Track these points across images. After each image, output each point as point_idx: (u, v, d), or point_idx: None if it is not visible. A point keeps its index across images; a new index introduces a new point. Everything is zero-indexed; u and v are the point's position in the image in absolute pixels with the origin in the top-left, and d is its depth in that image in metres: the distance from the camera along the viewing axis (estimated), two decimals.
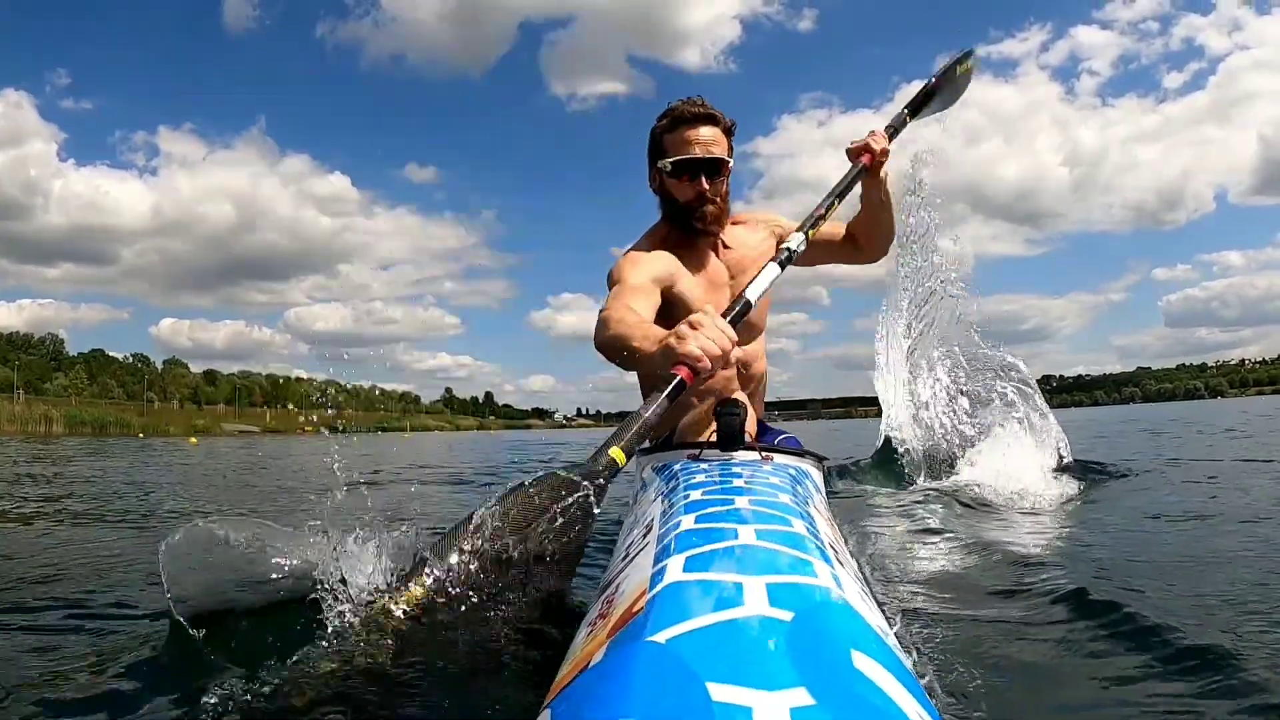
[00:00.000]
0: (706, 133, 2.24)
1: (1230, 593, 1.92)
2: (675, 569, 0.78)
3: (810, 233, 2.20)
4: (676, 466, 1.56)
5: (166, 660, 1.53)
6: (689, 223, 2.27)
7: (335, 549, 1.58)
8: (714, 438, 1.73)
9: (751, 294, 1.92)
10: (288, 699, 1.32)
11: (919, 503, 4.03)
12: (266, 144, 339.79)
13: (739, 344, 2.30)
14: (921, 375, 6.07)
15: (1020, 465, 4.97)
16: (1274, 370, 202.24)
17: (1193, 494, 4.06)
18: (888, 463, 5.61)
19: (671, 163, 2.24)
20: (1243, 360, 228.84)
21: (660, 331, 1.63)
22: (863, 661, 0.58)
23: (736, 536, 0.87)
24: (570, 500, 1.42)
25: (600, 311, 1.91)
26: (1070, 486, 4.51)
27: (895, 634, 0.74)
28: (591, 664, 0.64)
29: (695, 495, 1.19)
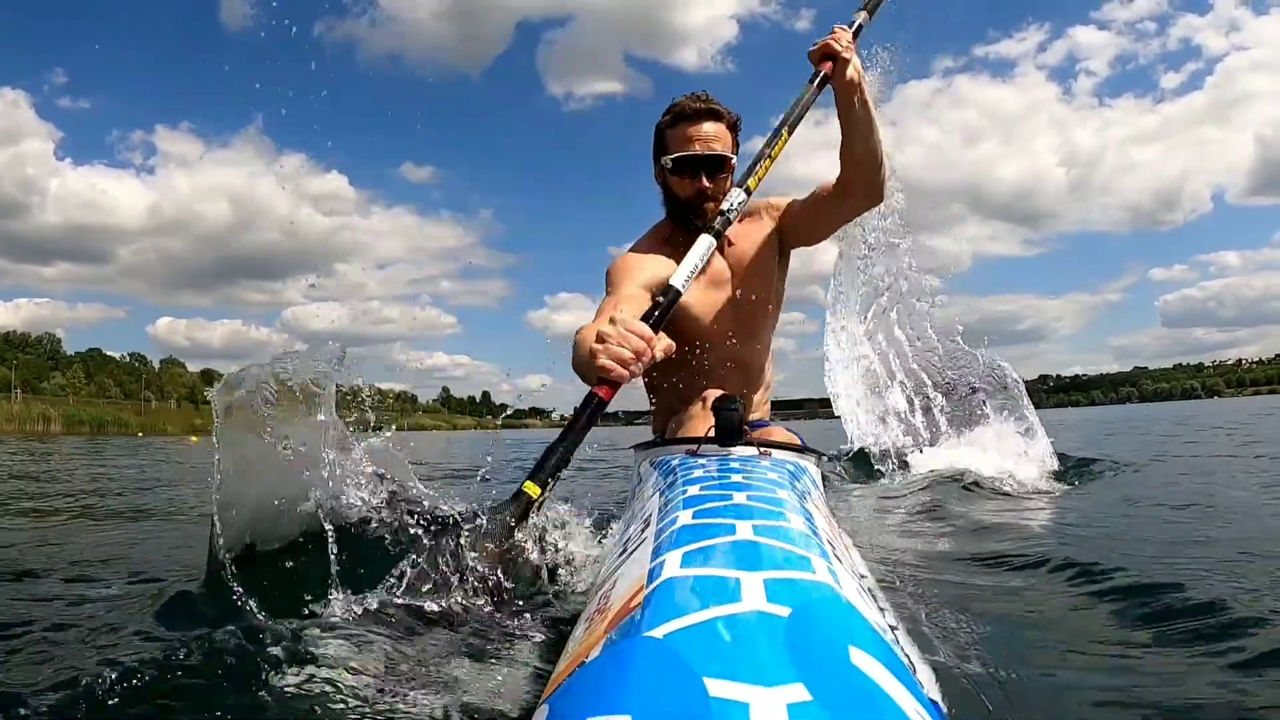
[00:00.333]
0: (708, 129, 2.21)
1: (1213, 579, 1.93)
2: (673, 564, 0.78)
3: (751, 181, 2.02)
4: (674, 461, 1.56)
5: (167, 653, 1.53)
6: (690, 220, 2.25)
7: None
8: (712, 433, 1.73)
9: (677, 280, 1.80)
10: (281, 693, 1.32)
11: (894, 497, 4.11)
12: (263, 143, 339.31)
13: (737, 341, 2.32)
14: (885, 379, 6.13)
15: (1000, 460, 5.08)
16: (1270, 370, 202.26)
17: (1179, 486, 4.17)
18: (861, 461, 5.69)
19: (673, 159, 2.23)
20: (1239, 360, 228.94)
21: None
22: (860, 658, 0.58)
23: (734, 532, 0.87)
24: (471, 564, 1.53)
25: (578, 331, 1.86)
26: (1053, 480, 4.67)
27: (893, 630, 0.75)
28: (589, 659, 0.64)
29: (693, 490, 1.18)
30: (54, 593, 2.14)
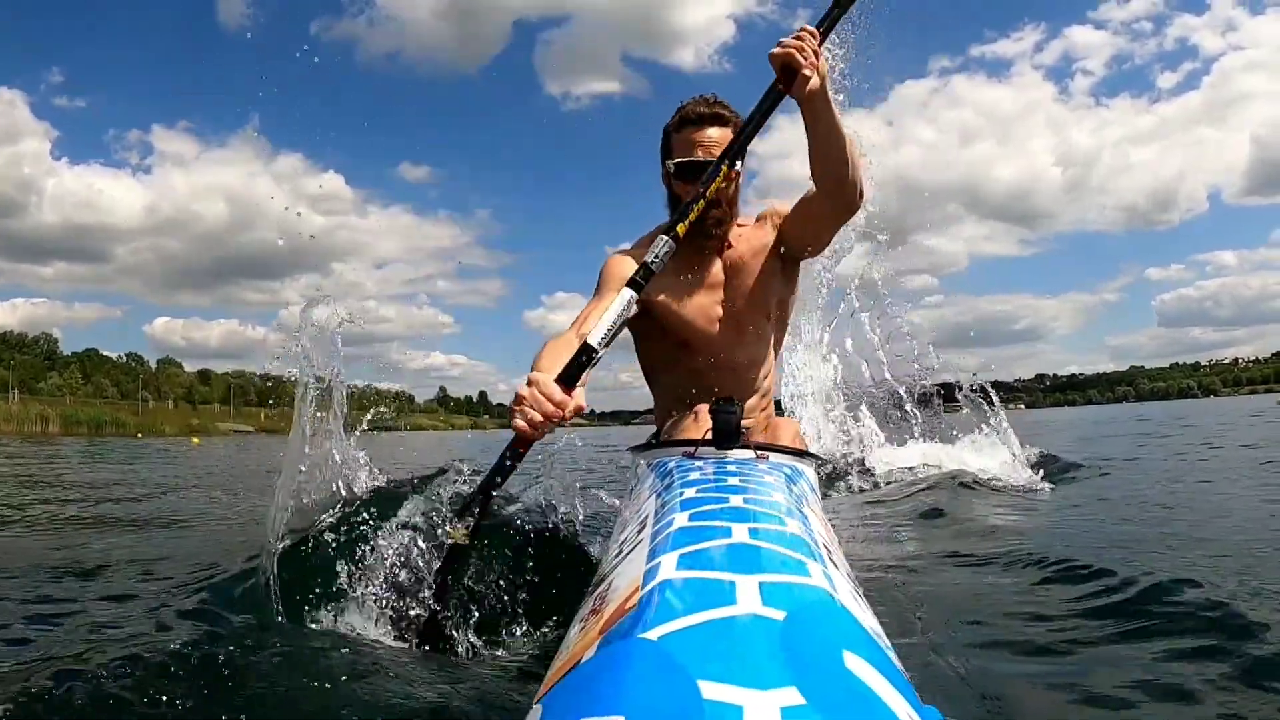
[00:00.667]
0: (713, 134, 2.19)
1: (1197, 578, 1.94)
2: (669, 566, 0.77)
3: (680, 227, 1.84)
4: (671, 463, 1.55)
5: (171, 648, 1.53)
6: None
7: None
8: (709, 435, 1.73)
9: (594, 338, 1.70)
10: (272, 693, 1.32)
11: (872, 503, 4.14)
12: (260, 142, 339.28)
13: (730, 345, 2.31)
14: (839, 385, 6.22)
15: (974, 461, 5.31)
16: (1267, 369, 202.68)
17: (1159, 487, 4.31)
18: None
19: (675, 164, 2.21)
20: (1236, 359, 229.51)
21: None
22: (854, 662, 0.58)
23: (730, 535, 0.87)
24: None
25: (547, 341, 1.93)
26: (1036, 481, 4.73)
27: (888, 635, 0.75)
28: (583, 660, 0.64)
29: (690, 493, 1.18)
30: (110, 595, 2.18)
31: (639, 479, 1.78)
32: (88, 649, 1.55)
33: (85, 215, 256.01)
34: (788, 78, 1.83)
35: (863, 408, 6.39)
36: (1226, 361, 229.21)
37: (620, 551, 1.04)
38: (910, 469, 5.32)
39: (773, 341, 2.43)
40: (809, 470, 1.80)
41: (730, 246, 2.32)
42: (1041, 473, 4.90)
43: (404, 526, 1.93)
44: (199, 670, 1.41)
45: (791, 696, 0.51)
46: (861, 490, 4.69)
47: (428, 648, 1.67)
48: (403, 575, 1.81)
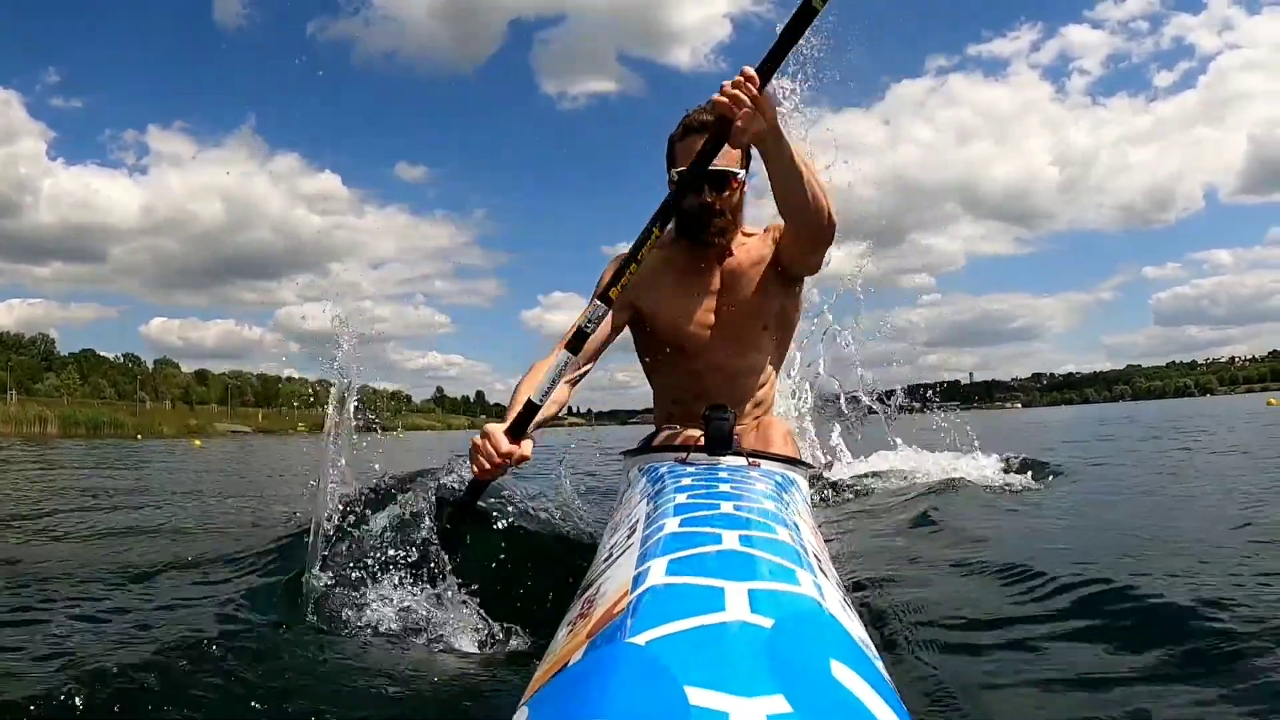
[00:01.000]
0: None
1: (1173, 582, 2.01)
2: (658, 572, 0.78)
3: (613, 291, 1.79)
4: (663, 469, 1.56)
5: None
6: (695, 232, 2.25)
7: None
8: (702, 441, 1.73)
9: (536, 395, 1.75)
10: (258, 693, 1.32)
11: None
12: (256, 142, 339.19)
13: (722, 353, 2.32)
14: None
15: (953, 469, 5.40)
16: (1263, 368, 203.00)
17: (1147, 483, 4.51)
18: None
19: (678, 173, 2.21)
20: (1232, 358, 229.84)
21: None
22: (841, 671, 0.58)
23: (720, 541, 0.87)
24: None
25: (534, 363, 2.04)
26: (1016, 482, 4.84)
27: (876, 645, 0.75)
28: (570, 664, 0.64)
29: (681, 499, 1.18)
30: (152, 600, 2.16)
31: (631, 483, 1.79)
32: (127, 646, 1.61)
33: (82, 215, 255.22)
34: (724, 127, 1.77)
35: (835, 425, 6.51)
36: (1223, 360, 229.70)
37: (610, 556, 1.04)
38: (895, 477, 5.40)
39: (772, 353, 2.42)
40: (801, 479, 1.80)
41: (731, 255, 2.32)
42: (1025, 476, 5.02)
43: (405, 523, 2.06)
44: (219, 664, 1.43)
45: (778, 704, 0.52)
46: (847, 500, 4.74)
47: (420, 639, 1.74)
48: (402, 571, 1.93)
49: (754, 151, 2.29)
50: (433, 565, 1.94)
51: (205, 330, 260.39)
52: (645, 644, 0.60)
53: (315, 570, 1.94)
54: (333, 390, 2.18)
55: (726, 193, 2.20)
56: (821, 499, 4.74)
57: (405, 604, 1.83)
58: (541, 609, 1.70)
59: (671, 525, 0.97)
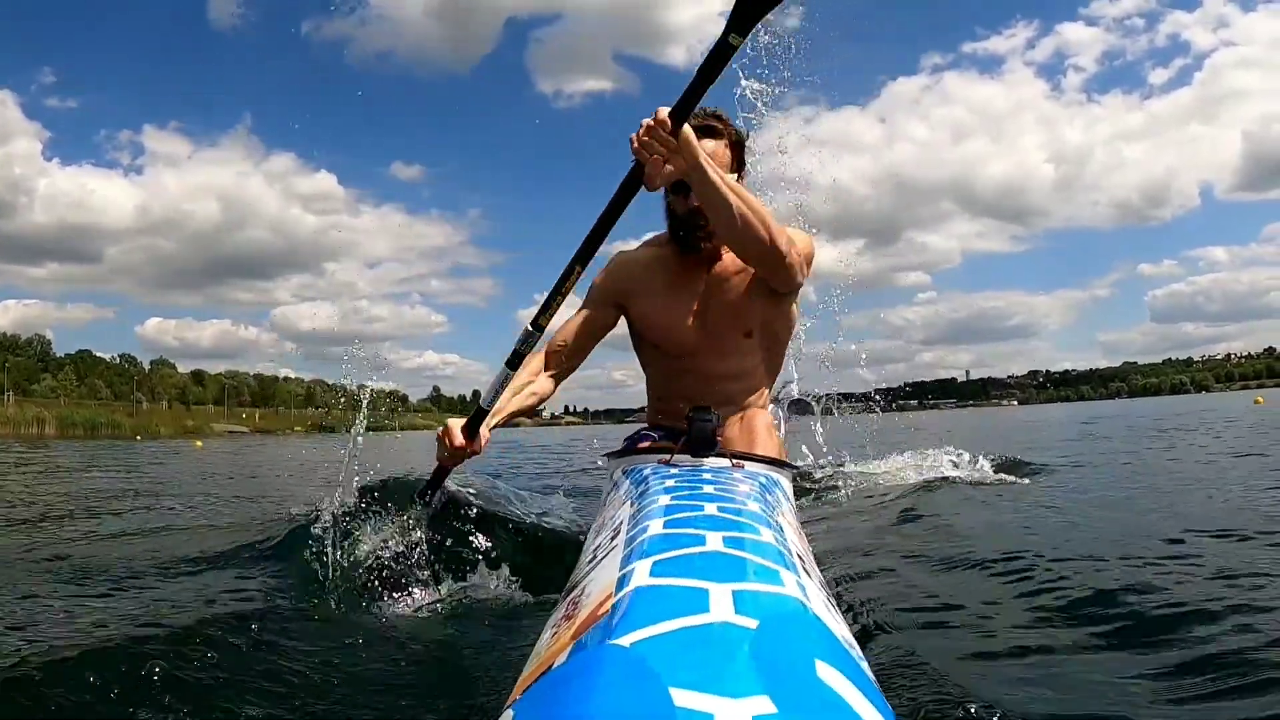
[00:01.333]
0: (704, 146, 2.11)
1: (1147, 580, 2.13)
2: (642, 573, 0.78)
3: (542, 319, 1.93)
4: (647, 471, 1.56)
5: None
6: (685, 237, 2.25)
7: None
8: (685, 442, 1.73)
9: (484, 401, 2.00)
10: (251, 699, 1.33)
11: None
12: (252, 142, 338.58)
13: (705, 356, 2.34)
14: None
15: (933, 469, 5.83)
16: (1259, 365, 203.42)
17: (1114, 481, 4.90)
18: None
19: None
20: (1228, 355, 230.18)
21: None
22: (826, 672, 0.58)
23: (704, 543, 0.88)
24: None
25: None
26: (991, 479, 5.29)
27: (860, 644, 0.76)
28: (555, 665, 0.64)
29: (665, 500, 1.18)
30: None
31: (615, 485, 1.79)
32: (162, 630, 1.73)
33: (77, 216, 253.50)
34: (639, 172, 1.78)
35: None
36: (1219, 357, 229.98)
37: (594, 558, 1.04)
38: (877, 477, 5.73)
39: (760, 360, 2.40)
40: (784, 479, 1.81)
41: (720, 259, 2.32)
42: (1003, 474, 5.40)
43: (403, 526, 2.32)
44: (207, 657, 1.44)
45: (763, 705, 0.52)
46: (831, 500, 4.84)
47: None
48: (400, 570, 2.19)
49: (746, 152, 2.31)
50: (426, 569, 1.98)
51: (201, 330, 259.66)
52: (630, 645, 0.60)
53: (325, 561, 2.14)
54: (364, 391, 2.60)
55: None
56: (802, 497, 4.84)
57: (396, 607, 1.85)
58: (526, 610, 1.71)
59: (655, 527, 0.98)
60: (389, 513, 2.35)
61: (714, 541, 0.88)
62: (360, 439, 2.52)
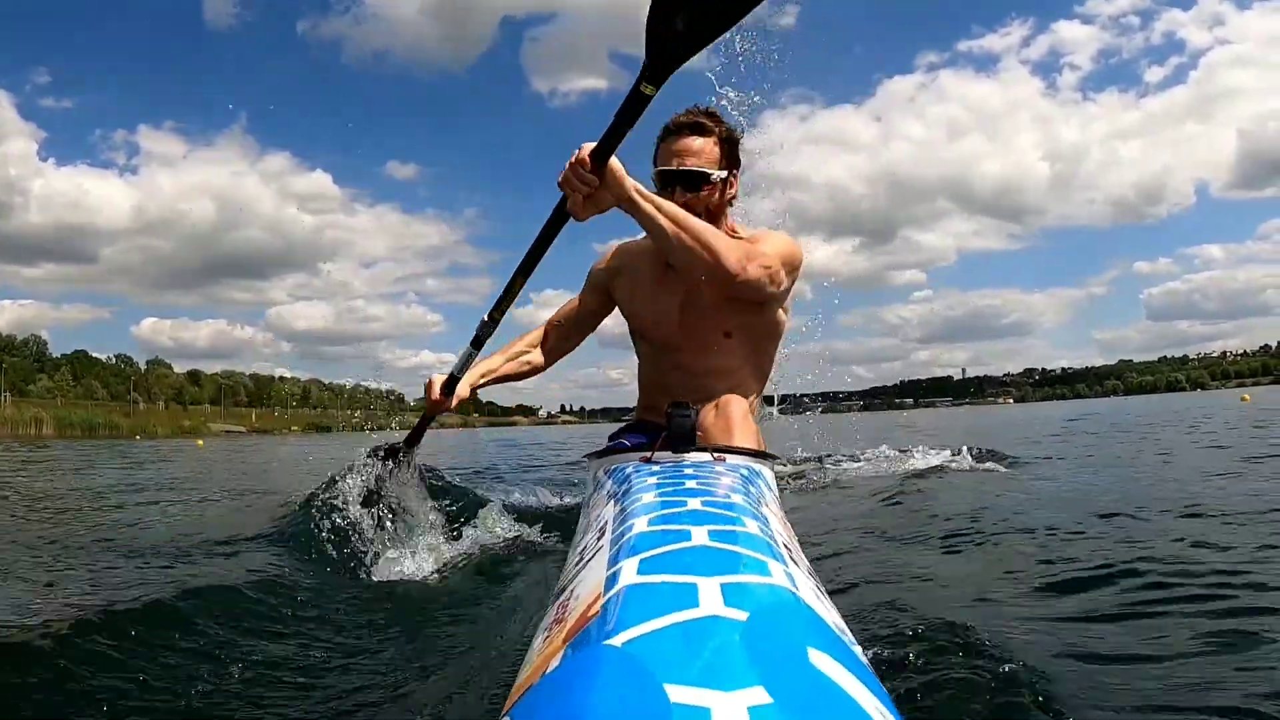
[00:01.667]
0: (689, 144, 2.20)
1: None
2: (629, 572, 0.77)
3: (495, 314, 2.22)
4: (629, 469, 1.55)
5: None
6: None
7: None
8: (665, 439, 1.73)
9: (455, 368, 2.39)
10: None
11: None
12: (247, 142, 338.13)
13: (684, 352, 2.37)
14: None
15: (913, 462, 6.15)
16: (1254, 362, 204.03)
17: (1083, 474, 5.06)
18: None
19: (655, 173, 2.24)
20: (1224, 352, 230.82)
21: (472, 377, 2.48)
22: (819, 659, 0.58)
23: (690, 538, 0.87)
24: None
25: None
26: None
27: (851, 629, 0.76)
28: (549, 669, 0.64)
29: (647, 498, 1.18)
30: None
31: (597, 486, 1.79)
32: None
33: (72, 216, 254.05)
34: (562, 205, 1.87)
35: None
36: (1215, 355, 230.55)
37: (581, 559, 1.03)
38: (858, 469, 6.00)
39: (743, 361, 2.39)
40: (766, 470, 1.81)
41: None
42: (980, 465, 5.80)
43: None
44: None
45: (758, 696, 0.52)
46: (813, 490, 4.97)
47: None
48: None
49: (741, 149, 2.31)
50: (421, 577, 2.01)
51: (197, 330, 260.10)
52: (622, 645, 0.60)
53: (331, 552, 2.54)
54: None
55: (704, 192, 2.20)
56: (783, 490, 4.94)
57: (400, 568, 1.89)
58: (516, 616, 1.71)
59: (640, 525, 0.97)
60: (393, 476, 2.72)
61: (699, 536, 0.88)
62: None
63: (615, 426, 2.61)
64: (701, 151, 2.18)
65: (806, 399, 7.02)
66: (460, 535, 2.95)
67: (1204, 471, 4.78)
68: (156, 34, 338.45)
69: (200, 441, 28.22)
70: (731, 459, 1.67)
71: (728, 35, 1.72)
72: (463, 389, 2.44)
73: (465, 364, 2.35)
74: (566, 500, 4.36)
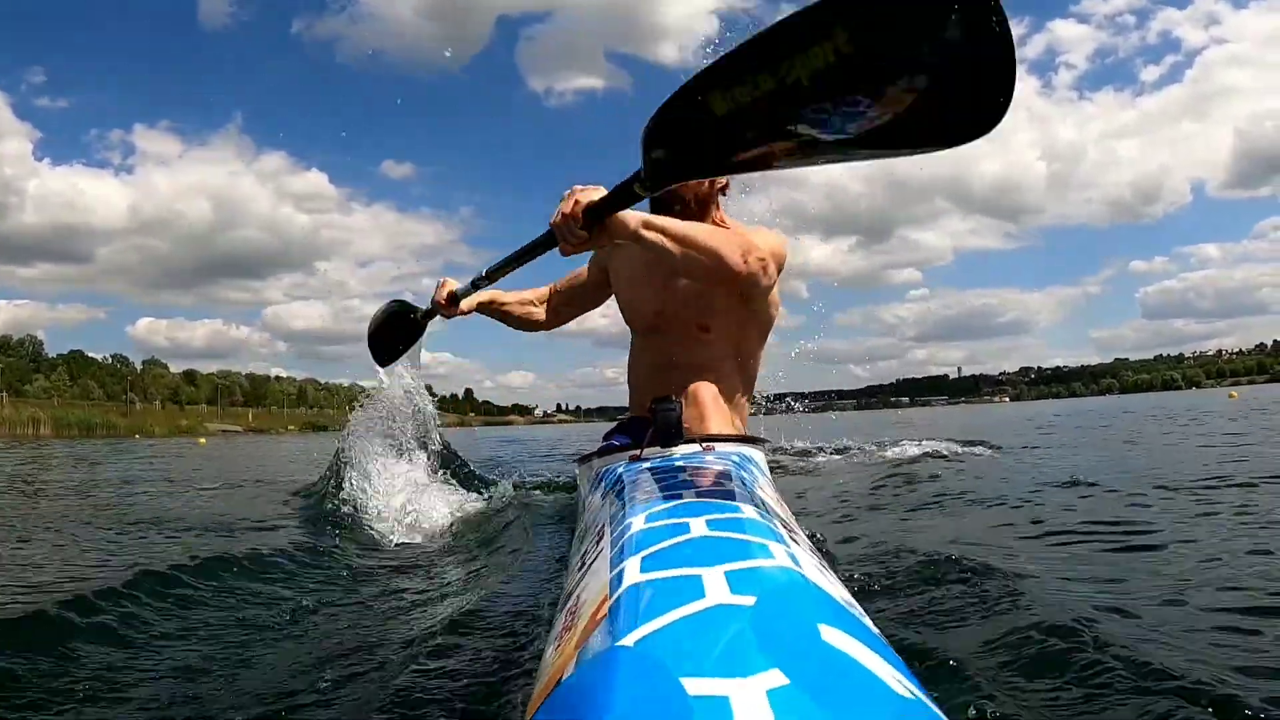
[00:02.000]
0: None
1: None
2: (633, 570, 0.77)
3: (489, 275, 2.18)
4: (620, 469, 1.54)
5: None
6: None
7: None
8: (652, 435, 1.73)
9: (459, 290, 2.59)
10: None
11: None
12: (243, 141, 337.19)
13: (666, 341, 2.40)
14: None
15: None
16: (1249, 361, 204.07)
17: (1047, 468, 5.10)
18: None
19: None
20: (1219, 351, 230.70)
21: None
22: (831, 634, 0.59)
23: (689, 530, 0.88)
24: None
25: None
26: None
27: (859, 602, 0.76)
28: (564, 677, 0.64)
29: (642, 495, 1.18)
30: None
31: (590, 489, 1.79)
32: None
33: (68, 216, 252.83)
34: (552, 242, 1.76)
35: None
36: (1210, 354, 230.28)
37: (583, 564, 1.03)
38: (847, 456, 6.31)
39: (728, 357, 2.38)
40: (758, 454, 1.81)
41: None
42: (964, 450, 6.22)
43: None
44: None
45: (775, 679, 0.52)
46: (806, 474, 5.16)
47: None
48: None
49: None
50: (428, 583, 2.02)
51: (193, 330, 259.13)
52: (634, 644, 0.60)
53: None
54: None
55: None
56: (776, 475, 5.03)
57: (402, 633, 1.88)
58: (525, 629, 1.71)
59: (638, 523, 0.97)
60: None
61: (698, 527, 0.88)
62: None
63: (611, 425, 2.61)
64: None
65: (790, 398, 7.21)
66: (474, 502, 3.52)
67: (1161, 455, 5.63)
68: (152, 34, 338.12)
69: (202, 440, 28.17)
70: (721, 447, 1.67)
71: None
72: (464, 305, 2.68)
73: (467, 292, 2.50)
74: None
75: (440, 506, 3.38)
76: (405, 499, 3.35)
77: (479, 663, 1.71)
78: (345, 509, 3.39)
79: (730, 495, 1.09)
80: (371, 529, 3.09)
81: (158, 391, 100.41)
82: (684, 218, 2.22)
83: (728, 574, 0.69)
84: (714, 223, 2.34)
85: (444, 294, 2.63)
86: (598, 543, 1.05)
